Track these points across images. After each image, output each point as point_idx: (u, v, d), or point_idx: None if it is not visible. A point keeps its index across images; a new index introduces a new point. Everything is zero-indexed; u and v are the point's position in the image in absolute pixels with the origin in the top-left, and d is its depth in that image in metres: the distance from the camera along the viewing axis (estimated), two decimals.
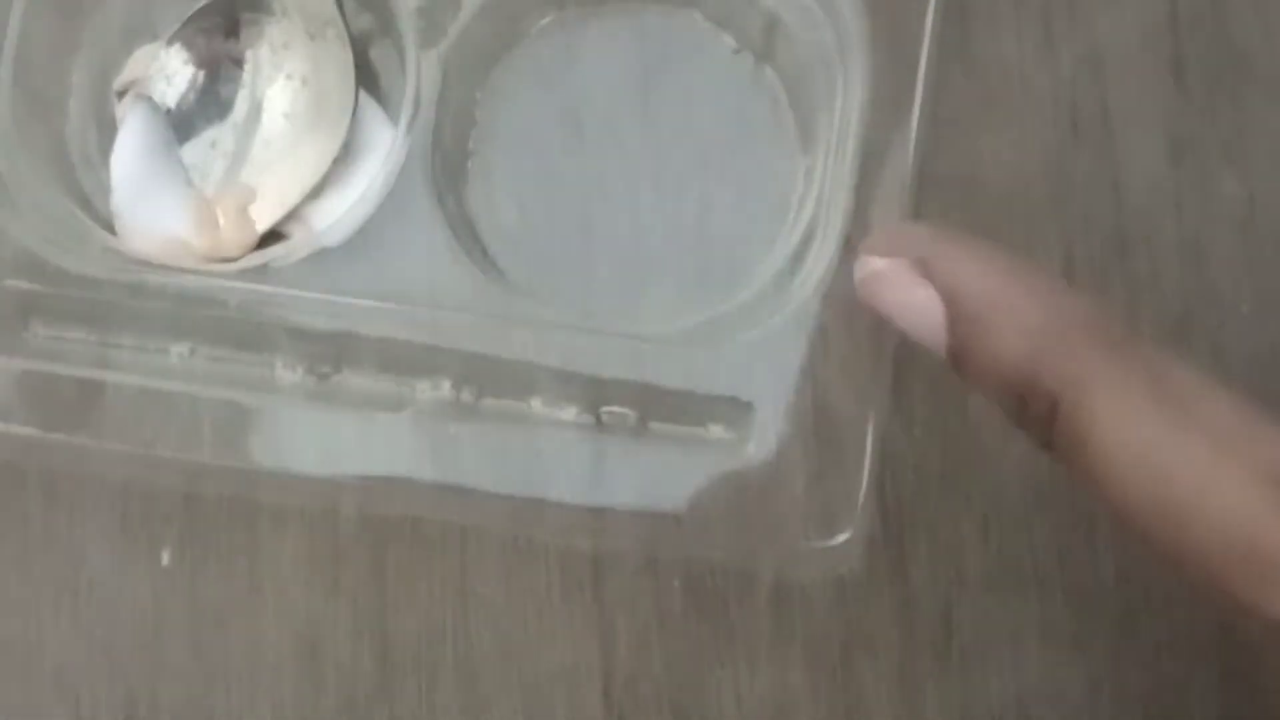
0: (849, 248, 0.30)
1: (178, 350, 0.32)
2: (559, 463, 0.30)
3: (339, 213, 0.32)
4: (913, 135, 0.31)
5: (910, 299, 0.26)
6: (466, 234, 0.32)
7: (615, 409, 0.31)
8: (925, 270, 0.26)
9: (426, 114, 0.32)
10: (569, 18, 0.33)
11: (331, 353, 0.31)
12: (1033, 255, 0.34)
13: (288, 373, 0.31)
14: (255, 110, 0.33)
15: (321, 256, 0.32)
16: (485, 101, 0.33)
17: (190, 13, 0.33)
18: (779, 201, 0.33)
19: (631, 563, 0.33)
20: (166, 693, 0.33)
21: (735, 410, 0.30)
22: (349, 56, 0.32)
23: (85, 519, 0.33)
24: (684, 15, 0.33)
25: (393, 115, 0.32)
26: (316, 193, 0.32)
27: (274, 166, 0.32)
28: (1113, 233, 0.34)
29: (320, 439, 0.31)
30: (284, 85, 0.33)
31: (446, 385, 0.31)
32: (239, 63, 0.33)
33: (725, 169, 0.33)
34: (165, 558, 0.33)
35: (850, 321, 0.30)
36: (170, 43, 0.33)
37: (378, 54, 0.33)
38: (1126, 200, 0.34)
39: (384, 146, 0.32)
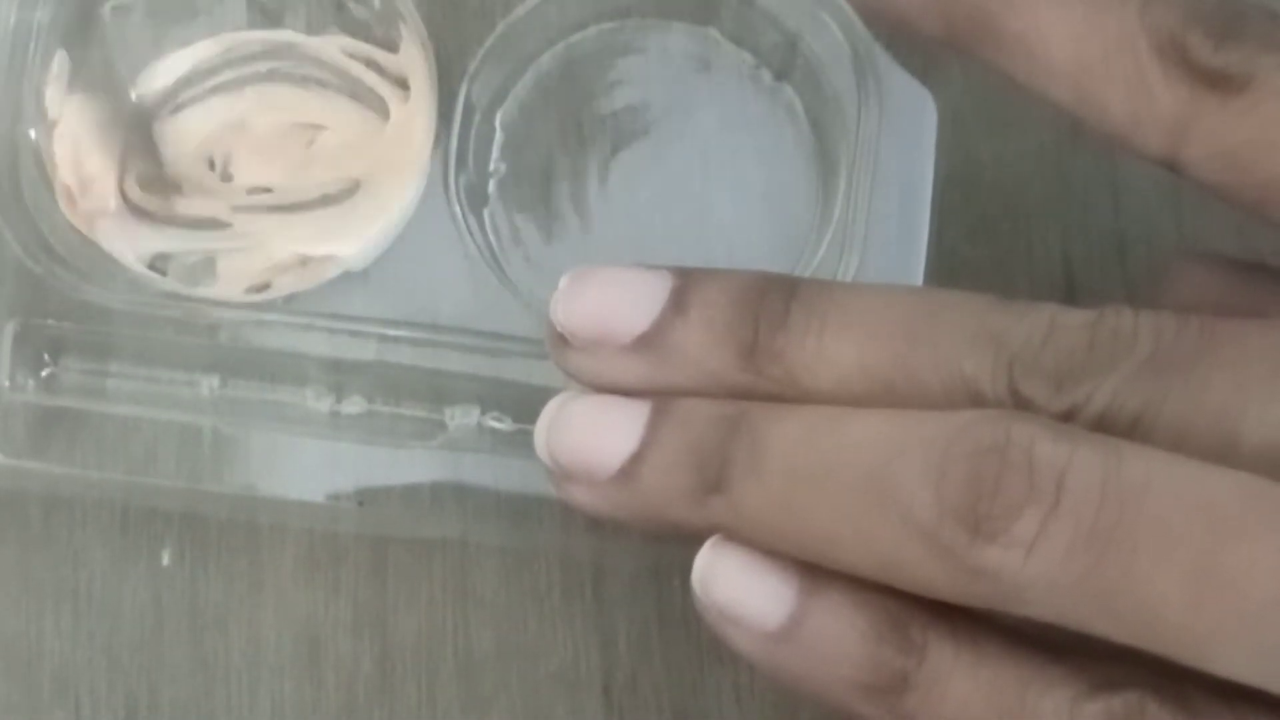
0: None
1: (208, 383, 0.32)
2: None
3: (364, 239, 0.32)
4: (932, 157, 0.31)
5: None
6: (489, 257, 0.32)
7: None
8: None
9: (448, 138, 0.32)
10: (588, 39, 0.33)
11: (360, 382, 0.31)
12: (1032, 256, 0.34)
13: (318, 404, 0.31)
14: None
15: (346, 283, 0.32)
16: (506, 123, 0.33)
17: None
18: (799, 220, 0.33)
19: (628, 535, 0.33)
20: (166, 693, 0.32)
21: None
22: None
23: (85, 519, 0.33)
24: (701, 33, 0.33)
25: None
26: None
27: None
28: (1112, 234, 0.34)
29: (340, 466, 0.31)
30: None
31: (476, 412, 0.31)
32: None
33: (747, 187, 0.33)
34: (165, 558, 0.33)
35: None
36: None
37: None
38: (1125, 201, 0.34)
39: None
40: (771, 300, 0.25)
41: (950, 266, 0.32)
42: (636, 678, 0.32)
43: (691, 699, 0.32)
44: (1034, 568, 0.22)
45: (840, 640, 0.24)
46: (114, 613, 0.33)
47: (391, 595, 0.33)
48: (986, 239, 0.34)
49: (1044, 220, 0.34)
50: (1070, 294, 0.34)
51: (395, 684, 0.32)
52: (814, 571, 0.24)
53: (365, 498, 0.31)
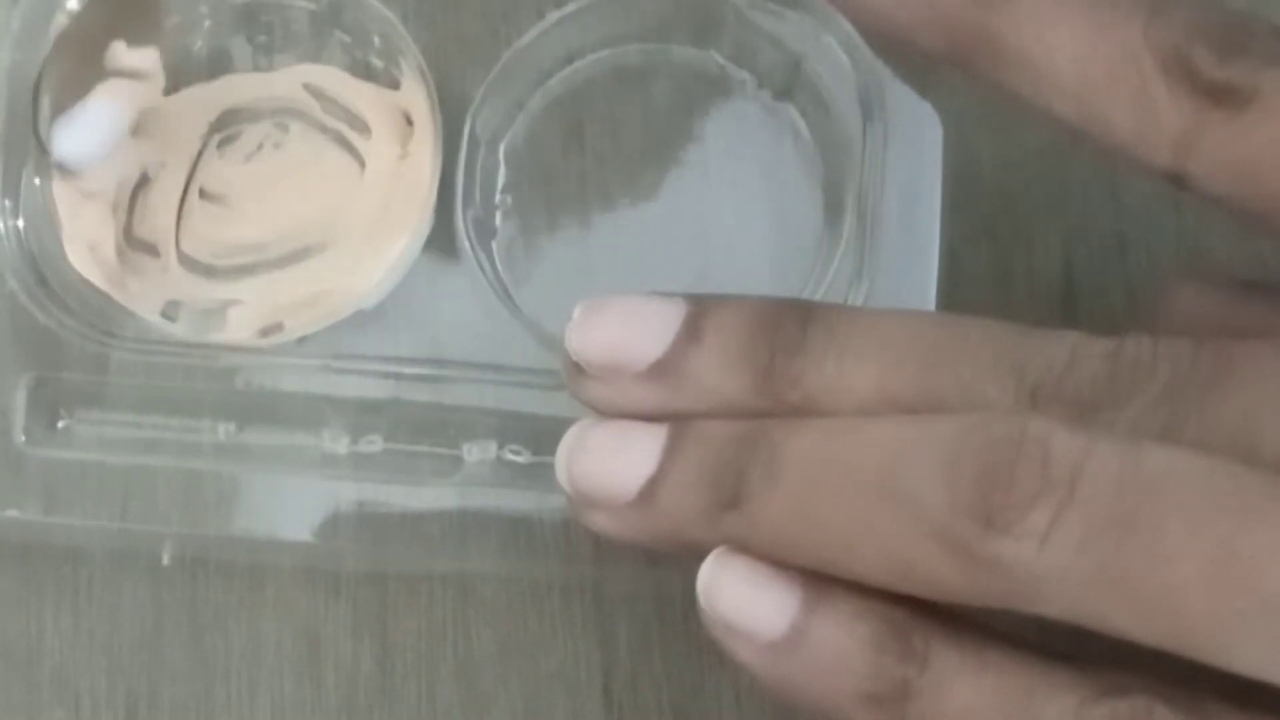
0: None
1: (224, 429, 0.31)
2: None
3: (374, 276, 0.32)
4: (939, 175, 0.31)
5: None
6: (500, 289, 0.32)
7: None
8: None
9: (454, 172, 0.32)
10: (589, 66, 0.33)
11: (376, 421, 0.31)
12: (1032, 256, 0.34)
13: (335, 445, 0.31)
14: None
15: (358, 322, 0.32)
16: (511, 154, 0.33)
17: None
18: (807, 240, 0.32)
19: (632, 563, 0.33)
20: (166, 693, 0.33)
21: None
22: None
23: (85, 518, 0.33)
24: (703, 56, 0.33)
25: None
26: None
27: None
28: (1112, 234, 0.34)
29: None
30: None
31: (493, 447, 0.31)
32: None
33: (755, 210, 0.33)
34: (165, 557, 0.33)
35: None
36: None
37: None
38: (1126, 201, 0.34)
39: None
40: (787, 325, 0.25)
41: (950, 267, 0.32)
42: (636, 678, 0.33)
43: (691, 699, 0.32)
44: (1049, 559, 0.22)
45: (842, 649, 0.24)
46: (114, 613, 0.33)
47: (391, 595, 0.33)
48: (986, 239, 0.34)
49: (1044, 221, 0.34)
50: (1070, 295, 0.34)
51: (395, 684, 0.33)
52: (817, 581, 0.24)
53: (377, 536, 0.31)
